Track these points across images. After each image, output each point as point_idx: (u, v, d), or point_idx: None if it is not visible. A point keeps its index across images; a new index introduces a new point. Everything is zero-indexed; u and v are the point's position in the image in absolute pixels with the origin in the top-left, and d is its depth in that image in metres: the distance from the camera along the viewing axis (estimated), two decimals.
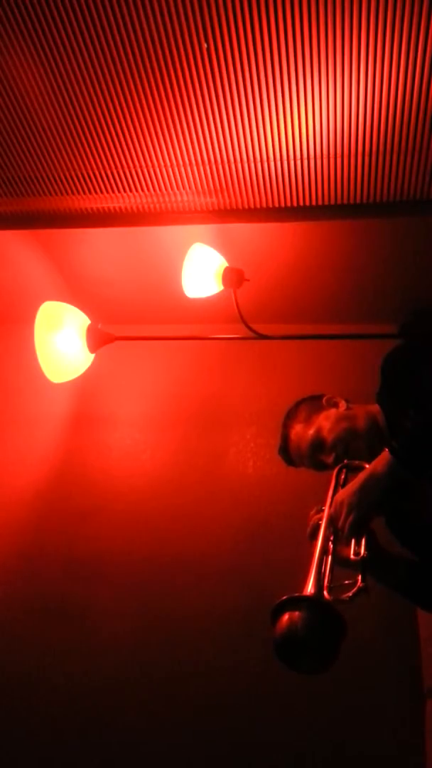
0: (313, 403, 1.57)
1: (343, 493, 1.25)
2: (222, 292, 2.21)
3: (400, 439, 1.19)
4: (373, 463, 1.22)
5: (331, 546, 1.23)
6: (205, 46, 1.45)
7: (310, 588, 1.11)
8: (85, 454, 2.48)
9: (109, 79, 1.54)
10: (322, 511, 1.30)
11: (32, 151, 1.76)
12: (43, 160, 1.78)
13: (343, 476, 1.38)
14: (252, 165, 1.75)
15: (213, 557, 2.19)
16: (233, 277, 2.18)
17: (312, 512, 1.34)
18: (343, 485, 1.34)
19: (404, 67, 1.46)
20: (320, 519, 1.30)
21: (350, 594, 1.09)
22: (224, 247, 2.24)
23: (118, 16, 1.40)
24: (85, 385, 2.45)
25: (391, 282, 2.33)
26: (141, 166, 1.78)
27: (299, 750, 1.90)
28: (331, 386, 1.65)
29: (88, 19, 1.41)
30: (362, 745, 1.88)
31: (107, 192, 1.88)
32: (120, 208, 1.94)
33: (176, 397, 2.54)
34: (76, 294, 2.54)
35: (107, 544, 2.28)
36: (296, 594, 1.10)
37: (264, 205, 1.88)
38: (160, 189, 1.85)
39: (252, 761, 1.91)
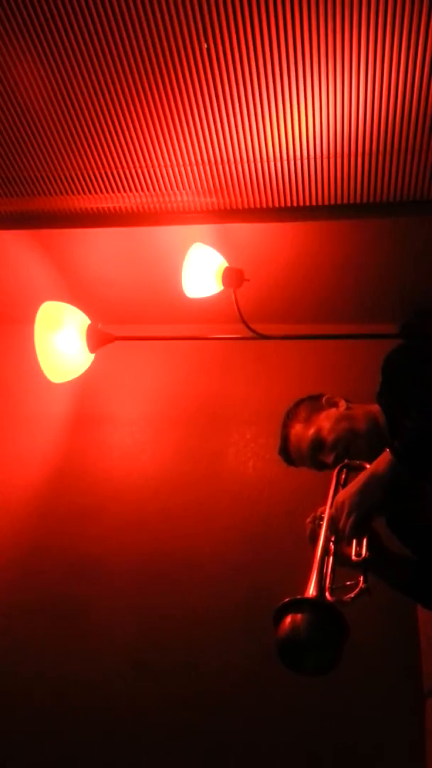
0: (313, 403, 1.57)
1: (344, 494, 1.24)
2: (222, 292, 2.21)
3: (401, 439, 1.19)
4: (374, 463, 1.22)
5: (333, 546, 1.23)
6: (205, 46, 1.45)
7: (312, 590, 1.11)
8: (85, 454, 2.48)
9: (109, 79, 1.54)
10: (320, 518, 1.30)
11: (32, 151, 1.76)
12: (43, 160, 1.78)
13: (343, 476, 1.37)
14: (252, 165, 1.75)
15: (213, 557, 2.19)
16: (233, 277, 2.18)
17: (308, 520, 1.34)
18: (344, 485, 1.34)
19: (404, 67, 1.46)
20: (319, 518, 1.30)
21: (352, 595, 1.09)
22: (224, 247, 2.24)
23: (118, 16, 1.40)
24: (85, 385, 2.45)
25: (391, 282, 2.33)
26: (141, 166, 1.78)
27: (299, 750, 1.90)
28: (331, 386, 1.64)
29: (88, 19, 1.41)
30: (362, 744, 1.88)
31: (107, 192, 1.88)
32: (120, 208, 1.95)
33: (176, 397, 2.53)
34: (76, 294, 2.53)
35: (107, 544, 2.28)
36: (298, 596, 1.10)
37: (264, 205, 1.88)
38: (160, 189, 1.85)
39: (252, 761, 1.91)
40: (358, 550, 1.19)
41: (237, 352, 2.50)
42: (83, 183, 1.85)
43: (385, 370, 1.45)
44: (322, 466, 1.48)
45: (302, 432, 1.51)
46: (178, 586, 2.16)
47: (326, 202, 1.85)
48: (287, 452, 1.56)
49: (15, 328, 2.50)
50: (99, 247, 2.37)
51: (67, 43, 1.46)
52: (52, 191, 1.89)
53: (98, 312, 2.20)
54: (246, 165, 1.75)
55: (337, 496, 1.27)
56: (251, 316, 2.17)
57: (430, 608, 1.52)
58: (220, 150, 1.71)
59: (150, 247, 2.34)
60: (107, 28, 1.42)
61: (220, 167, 1.76)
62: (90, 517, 2.34)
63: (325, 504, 1.32)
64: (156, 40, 1.44)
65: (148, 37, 1.44)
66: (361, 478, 1.23)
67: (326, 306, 2.49)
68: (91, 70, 1.52)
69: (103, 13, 1.39)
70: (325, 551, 1.21)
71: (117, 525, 2.31)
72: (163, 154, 1.73)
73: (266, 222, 1.95)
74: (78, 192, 1.89)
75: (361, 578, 1.12)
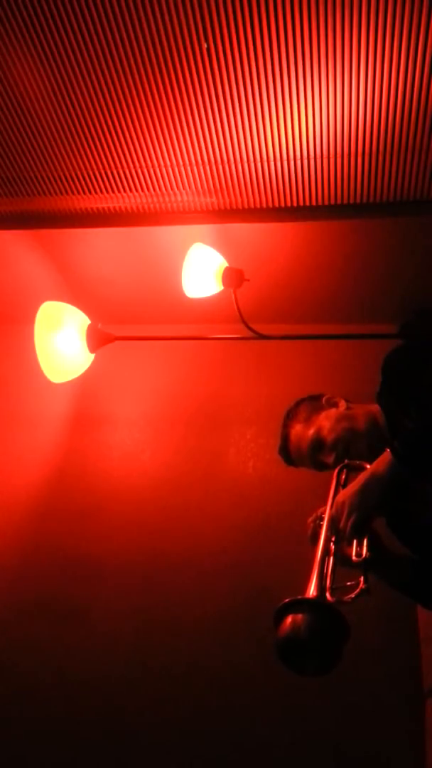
0: (313, 403, 1.57)
1: (344, 494, 1.24)
2: (222, 292, 2.21)
3: (401, 439, 1.19)
4: (375, 463, 1.22)
5: (333, 547, 1.23)
6: (205, 46, 1.45)
7: (312, 590, 1.11)
8: (85, 454, 2.48)
9: (109, 79, 1.54)
10: (321, 518, 1.30)
11: (32, 151, 1.76)
12: (43, 160, 1.78)
13: (343, 476, 1.37)
14: (252, 165, 1.75)
15: (213, 557, 2.19)
16: (233, 277, 2.18)
17: (310, 519, 1.34)
18: (344, 485, 1.34)
19: (404, 67, 1.46)
20: (320, 518, 1.30)
21: (352, 595, 1.09)
22: (224, 247, 2.24)
23: (118, 16, 1.40)
24: (85, 385, 2.45)
25: (391, 282, 2.33)
26: (141, 166, 1.78)
27: (299, 750, 1.90)
28: (331, 386, 1.64)
29: (88, 19, 1.41)
30: (362, 745, 1.88)
31: (107, 192, 1.88)
32: (120, 208, 1.94)
33: (176, 397, 2.53)
34: (76, 294, 2.54)
35: (107, 544, 2.28)
36: (299, 596, 1.10)
37: (264, 205, 1.88)
38: (160, 189, 1.85)
39: (252, 761, 1.91)
40: (359, 550, 1.19)
41: (237, 352, 2.50)
42: (83, 183, 1.85)
43: (385, 370, 1.45)
44: (322, 466, 1.48)
45: (302, 432, 1.51)
46: (178, 585, 2.16)
47: (326, 202, 1.85)
48: (287, 452, 1.56)
49: (15, 328, 2.49)
50: (99, 247, 2.37)
51: (67, 43, 1.46)
52: (52, 191, 1.89)
53: (98, 312, 2.20)
54: (246, 165, 1.75)
55: (337, 497, 1.27)
56: (251, 316, 2.17)
57: (430, 608, 1.52)
58: (220, 150, 1.71)
59: (150, 247, 2.34)
60: (107, 28, 1.42)
61: (220, 167, 1.76)
62: (90, 517, 2.34)
63: (325, 504, 1.32)
64: (156, 40, 1.44)
65: (148, 37, 1.44)
66: (361, 479, 1.23)
67: (326, 306, 2.50)
68: (91, 70, 1.52)
69: (103, 13, 1.39)
70: (326, 551, 1.21)
71: (117, 525, 2.31)
72: (163, 154, 1.73)
73: (266, 222, 1.95)
74: (78, 192, 1.88)
75: (362, 578, 1.12)
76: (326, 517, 1.28)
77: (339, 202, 1.84)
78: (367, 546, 1.19)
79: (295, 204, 1.86)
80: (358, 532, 1.21)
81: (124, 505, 2.35)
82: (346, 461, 1.40)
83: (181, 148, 1.71)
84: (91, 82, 1.55)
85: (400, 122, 1.58)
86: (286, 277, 2.40)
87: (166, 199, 1.89)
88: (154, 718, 2.00)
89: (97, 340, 2.02)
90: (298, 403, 1.60)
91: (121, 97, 1.58)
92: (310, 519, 1.34)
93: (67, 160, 1.78)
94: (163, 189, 1.85)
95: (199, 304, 2.28)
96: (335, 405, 1.53)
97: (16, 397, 2.59)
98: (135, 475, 2.41)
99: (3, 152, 1.77)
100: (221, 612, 2.10)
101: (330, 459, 1.44)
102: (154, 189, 1.85)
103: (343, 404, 1.52)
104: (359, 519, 1.20)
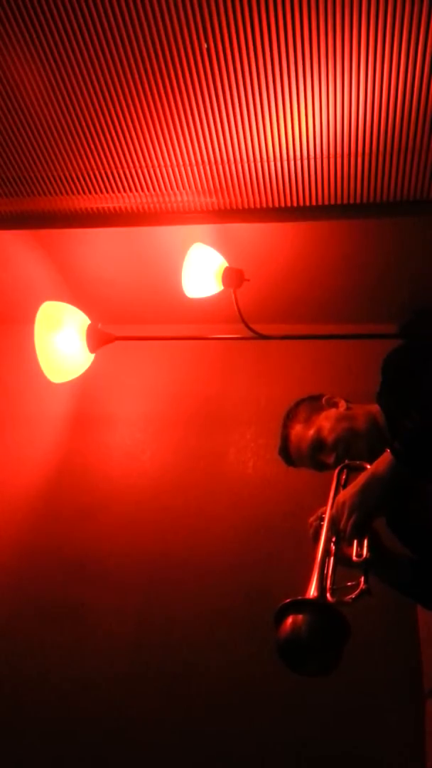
0: (313, 403, 1.57)
1: (344, 494, 1.24)
2: (222, 292, 2.21)
3: (401, 439, 1.19)
4: (375, 463, 1.22)
5: (333, 547, 1.23)
6: (205, 46, 1.45)
7: (312, 590, 1.11)
8: (85, 454, 2.48)
9: (109, 79, 1.54)
10: (322, 518, 1.30)
11: (32, 151, 1.76)
12: (43, 160, 1.78)
13: (344, 476, 1.38)
14: (252, 165, 1.75)
15: (213, 557, 2.19)
16: (233, 277, 2.18)
17: (311, 519, 1.34)
18: (345, 486, 1.34)
19: (404, 67, 1.46)
20: (322, 516, 1.30)
21: (353, 596, 1.09)
22: (224, 247, 2.24)
23: (118, 16, 1.39)
24: (85, 385, 2.45)
25: (391, 282, 2.33)
26: (141, 166, 1.77)
27: (299, 750, 1.90)
28: (331, 386, 1.64)
29: (88, 19, 1.41)
30: (362, 745, 1.88)
31: (107, 192, 1.88)
32: (120, 208, 1.94)
33: (176, 397, 2.53)
34: (76, 294, 2.54)
35: (107, 544, 2.28)
36: (299, 597, 1.10)
37: (264, 205, 1.88)
38: (160, 189, 1.85)
39: (252, 761, 1.91)
40: (359, 550, 1.19)
41: (237, 352, 2.51)
42: (83, 183, 1.85)
43: (385, 370, 1.46)
44: (322, 466, 1.48)
45: (302, 432, 1.51)
46: (179, 586, 2.16)
47: (326, 202, 1.84)
48: (287, 453, 1.56)
49: (15, 328, 2.50)
50: (99, 247, 2.37)
51: (67, 44, 1.46)
52: (52, 191, 1.89)
53: (98, 312, 2.20)
54: (246, 165, 1.75)
55: (337, 497, 1.27)
56: (251, 316, 2.17)
57: (430, 608, 1.52)
58: (220, 150, 1.70)
59: (150, 247, 2.34)
60: (107, 29, 1.42)
61: (220, 167, 1.76)
62: (90, 517, 2.34)
63: (325, 504, 1.32)
64: (156, 40, 1.44)
65: (148, 37, 1.43)
66: (361, 479, 1.23)
67: (326, 306, 2.50)
68: (91, 71, 1.52)
69: (103, 14, 1.39)
70: (326, 552, 1.21)
71: (117, 525, 2.31)
72: (163, 154, 1.73)
73: (266, 222, 1.94)
74: (78, 192, 1.88)
75: (362, 579, 1.12)
76: (327, 517, 1.28)
77: (339, 202, 1.84)
78: (368, 546, 1.19)
79: (295, 204, 1.86)
80: (359, 533, 1.21)
81: (124, 505, 2.35)
82: (346, 461, 1.40)
83: (181, 148, 1.70)
84: (91, 82, 1.55)
85: (400, 122, 1.58)
86: (286, 277, 2.40)
87: (166, 199, 1.89)
88: (154, 718, 2.00)
89: (97, 340, 2.02)
90: (298, 404, 1.60)
91: (121, 97, 1.58)
92: (312, 518, 1.34)
93: (67, 160, 1.78)
94: (163, 189, 1.84)
95: (199, 304, 2.28)
96: (335, 405, 1.53)
97: (16, 397, 2.59)
98: (135, 475, 2.41)
99: (3, 152, 1.77)
100: (221, 612, 2.10)
101: (330, 459, 1.45)
102: (154, 189, 1.85)
103: (343, 404, 1.52)
104: (360, 519, 1.21)
